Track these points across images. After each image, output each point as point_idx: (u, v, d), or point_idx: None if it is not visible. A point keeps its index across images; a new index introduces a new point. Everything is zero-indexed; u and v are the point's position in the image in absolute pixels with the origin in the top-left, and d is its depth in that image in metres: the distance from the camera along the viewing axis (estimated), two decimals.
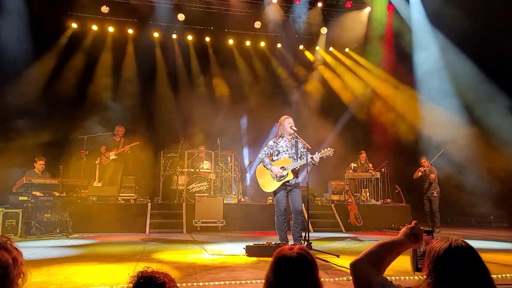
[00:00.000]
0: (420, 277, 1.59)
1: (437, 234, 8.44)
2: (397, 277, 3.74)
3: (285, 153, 5.99)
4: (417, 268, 1.66)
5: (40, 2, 10.45)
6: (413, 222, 1.70)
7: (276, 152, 6.06)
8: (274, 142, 6.11)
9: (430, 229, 1.73)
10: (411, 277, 3.65)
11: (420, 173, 10.03)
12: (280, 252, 1.54)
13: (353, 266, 1.63)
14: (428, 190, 9.91)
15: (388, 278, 1.56)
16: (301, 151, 5.99)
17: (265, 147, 6.16)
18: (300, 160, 5.90)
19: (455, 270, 1.41)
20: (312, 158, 5.86)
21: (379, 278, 1.55)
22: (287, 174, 5.90)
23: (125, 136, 10.30)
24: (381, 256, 1.63)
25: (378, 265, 1.61)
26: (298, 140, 6.03)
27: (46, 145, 9.63)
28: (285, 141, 6.08)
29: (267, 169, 5.99)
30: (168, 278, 1.48)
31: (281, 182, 5.91)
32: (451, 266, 1.42)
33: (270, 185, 6.00)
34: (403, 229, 1.69)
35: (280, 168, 5.92)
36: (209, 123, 11.71)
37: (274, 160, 6.06)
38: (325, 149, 6.03)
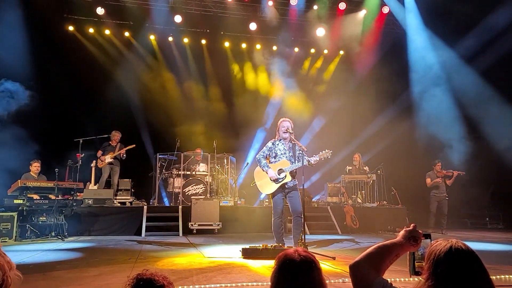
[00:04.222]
0: (416, 279, 1.60)
1: (442, 236, 8.47)
2: (393, 279, 3.75)
3: (283, 156, 6.01)
4: (414, 272, 1.66)
5: (36, 5, 10.39)
6: (412, 225, 1.71)
7: (274, 154, 6.07)
8: (272, 144, 6.12)
9: (429, 233, 1.74)
10: (408, 279, 3.67)
11: (438, 180, 9.95)
12: (284, 256, 1.55)
13: (353, 267, 1.64)
14: (442, 193, 9.92)
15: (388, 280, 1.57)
16: (298, 153, 6.02)
17: (264, 148, 6.18)
18: (298, 162, 5.92)
19: (456, 273, 1.42)
20: (308, 161, 5.89)
21: (379, 279, 1.56)
22: (285, 177, 5.91)
23: (122, 140, 10.26)
24: (380, 258, 1.64)
25: (378, 266, 1.62)
26: (295, 142, 6.06)
27: (42, 148, 9.58)
28: (283, 143, 6.09)
29: (263, 171, 6.00)
30: (167, 281, 1.47)
31: (279, 185, 5.92)
32: (452, 269, 1.42)
33: (268, 187, 6.00)
34: (402, 232, 1.69)
35: (278, 170, 5.94)
36: (205, 125, 11.70)
37: (271, 162, 6.07)
38: (323, 151, 6.06)
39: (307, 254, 1.53)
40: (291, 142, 6.09)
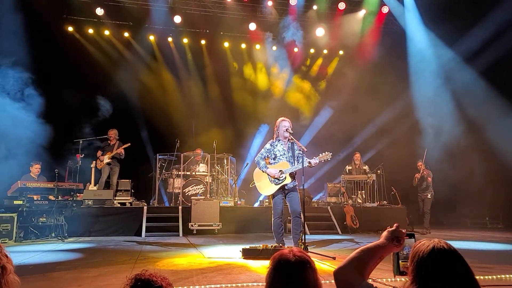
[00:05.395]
0: (403, 279, 1.60)
1: (425, 236, 8.50)
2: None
3: (283, 157, 5.98)
4: (399, 272, 1.65)
5: (36, 6, 10.38)
6: (395, 225, 1.71)
7: (273, 156, 6.04)
8: (271, 145, 6.10)
9: (412, 233, 1.73)
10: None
11: (418, 179, 10.07)
12: (279, 256, 1.54)
13: (337, 273, 1.62)
14: (423, 192, 9.98)
15: (372, 280, 1.56)
16: (297, 153, 6.01)
17: (262, 150, 6.16)
18: (297, 163, 5.91)
19: (439, 273, 1.41)
20: (309, 162, 5.87)
21: (364, 284, 1.55)
22: (285, 178, 5.89)
23: (121, 139, 10.24)
24: (364, 262, 1.63)
25: (362, 270, 1.61)
26: (294, 142, 6.04)
27: (42, 149, 9.58)
28: (281, 144, 6.06)
29: (263, 172, 5.99)
30: (165, 282, 1.46)
31: (279, 186, 5.90)
32: (435, 269, 1.42)
33: (267, 188, 5.99)
34: (385, 233, 1.68)
35: (278, 171, 5.92)
36: (205, 125, 11.70)
37: (271, 164, 6.05)
38: (323, 153, 6.04)
39: (302, 255, 1.53)
40: (290, 141, 6.08)
